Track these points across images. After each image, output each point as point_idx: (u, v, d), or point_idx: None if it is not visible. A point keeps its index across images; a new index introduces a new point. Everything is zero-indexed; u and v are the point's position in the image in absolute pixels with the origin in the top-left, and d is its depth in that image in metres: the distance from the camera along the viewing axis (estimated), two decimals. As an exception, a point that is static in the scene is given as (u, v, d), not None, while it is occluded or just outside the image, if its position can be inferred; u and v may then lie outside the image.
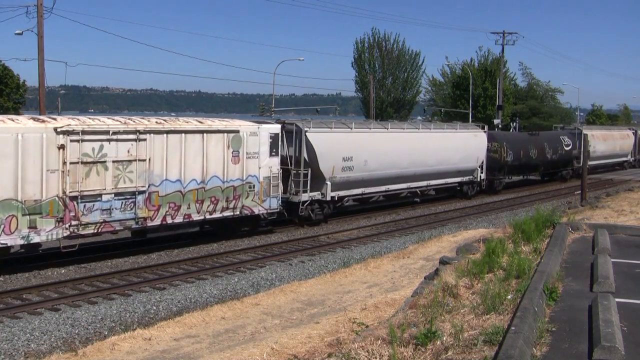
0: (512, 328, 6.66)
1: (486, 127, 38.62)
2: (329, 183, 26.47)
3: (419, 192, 32.51)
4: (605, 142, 53.58)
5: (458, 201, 35.52)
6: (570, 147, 47.12)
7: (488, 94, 63.84)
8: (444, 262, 12.22)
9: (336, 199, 27.11)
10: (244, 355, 9.34)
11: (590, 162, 48.48)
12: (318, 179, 26.24)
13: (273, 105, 58.34)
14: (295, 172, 25.56)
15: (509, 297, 8.29)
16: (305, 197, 25.66)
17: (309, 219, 26.31)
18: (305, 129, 25.73)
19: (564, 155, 46.46)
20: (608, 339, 6.38)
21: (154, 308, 15.41)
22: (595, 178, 47.53)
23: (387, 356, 6.64)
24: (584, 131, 47.99)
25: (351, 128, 28.41)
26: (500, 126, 56.55)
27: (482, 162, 36.72)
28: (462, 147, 34.65)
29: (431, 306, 8.30)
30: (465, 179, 35.75)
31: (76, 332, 13.74)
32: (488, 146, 37.36)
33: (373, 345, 7.02)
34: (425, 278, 11.93)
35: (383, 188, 29.91)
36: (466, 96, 62.75)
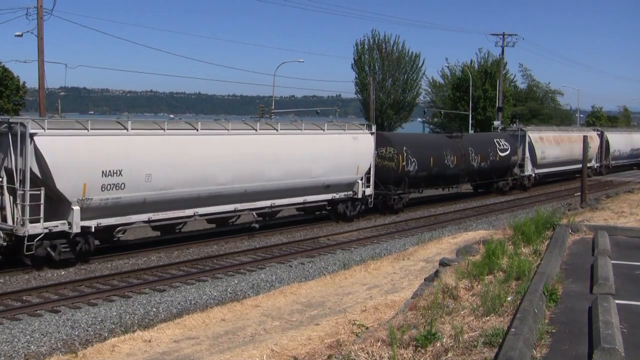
0: (512, 330, 6.66)
1: (374, 128, 30.14)
2: (76, 208, 18.48)
3: (255, 215, 24.20)
4: (559, 145, 45.14)
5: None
6: (508, 152, 39.19)
7: (488, 96, 63.92)
8: (443, 263, 12.21)
9: (93, 229, 19.05)
10: (244, 357, 9.34)
11: (537, 171, 43.27)
12: (61, 203, 18.58)
13: (273, 107, 58.39)
14: (21, 193, 17.93)
15: (509, 298, 8.29)
16: (36, 228, 17.91)
17: (49, 259, 18.53)
18: (33, 131, 17.77)
19: (498, 162, 38.43)
20: (608, 340, 6.38)
21: (154, 310, 15.42)
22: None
23: (387, 358, 6.64)
24: (528, 133, 42.45)
25: (127, 128, 19.95)
26: (500, 128, 56.55)
27: (368, 173, 28.80)
28: (331, 153, 26.60)
29: (431, 308, 8.29)
30: (340, 195, 27.61)
31: (76, 333, 13.76)
32: (379, 152, 30.01)
33: (373, 347, 7.02)
34: (425, 280, 11.91)
35: (189, 212, 21.82)
36: (466, 98, 62.83)
